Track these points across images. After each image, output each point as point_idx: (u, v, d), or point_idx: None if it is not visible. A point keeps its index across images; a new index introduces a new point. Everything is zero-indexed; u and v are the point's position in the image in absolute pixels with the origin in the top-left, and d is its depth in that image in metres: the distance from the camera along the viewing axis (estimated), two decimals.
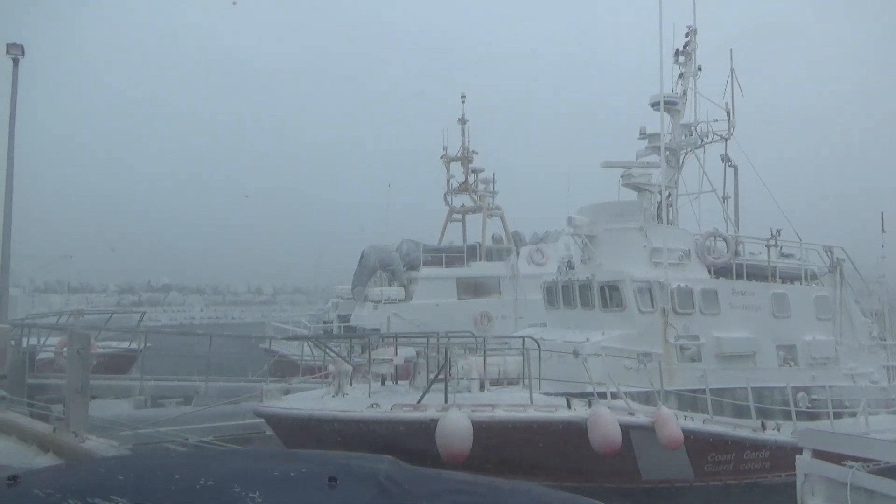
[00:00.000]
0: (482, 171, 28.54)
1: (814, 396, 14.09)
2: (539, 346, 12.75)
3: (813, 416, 13.68)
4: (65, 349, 13.53)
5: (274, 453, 5.71)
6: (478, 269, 25.79)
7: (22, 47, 17.93)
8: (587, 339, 13.29)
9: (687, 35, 16.66)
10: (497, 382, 13.27)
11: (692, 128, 16.38)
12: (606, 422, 11.13)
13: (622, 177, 15.85)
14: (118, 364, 19.08)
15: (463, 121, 28.14)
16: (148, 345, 19.08)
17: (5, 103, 18.34)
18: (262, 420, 12.58)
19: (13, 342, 15.76)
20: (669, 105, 15.82)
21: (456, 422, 10.69)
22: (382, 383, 13.56)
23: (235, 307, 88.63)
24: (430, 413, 11.26)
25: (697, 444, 12.10)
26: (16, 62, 18.06)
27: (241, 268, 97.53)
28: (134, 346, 19.40)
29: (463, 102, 28.27)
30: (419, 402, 11.67)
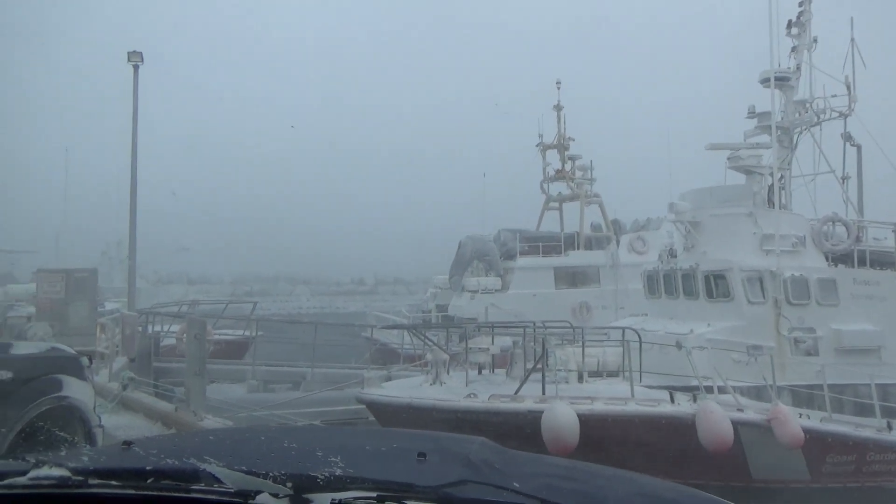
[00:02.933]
0: (579, 157, 27.96)
1: None
2: (640, 338, 12.38)
3: None
4: (185, 335, 14.63)
5: (368, 430, 5.91)
6: (576, 258, 25.35)
7: (141, 54, 19.31)
8: (691, 330, 12.76)
9: (801, 4, 15.52)
10: (596, 374, 13.01)
11: (807, 104, 15.29)
12: (717, 418, 10.63)
13: (729, 159, 15.00)
14: (233, 350, 20.34)
15: (559, 108, 27.67)
16: (260, 333, 20.24)
17: (125, 106, 19.85)
18: (364, 406, 13.00)
19: (140, 329, 17.20)
20: (781, 81, 14.80)
21: (564, 414, 10.57)
22: (479, 372, 13.63)
23: (339, 297, 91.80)
24: (532, 405, 11.20)
25: (815, 443, 11.35)
26: (136, 68, 19.50)
27: (345, 260, 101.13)
28: (247, 333, 20.57)
29: (558, 89, 27.83)
30: (517, 392, 11.65)
